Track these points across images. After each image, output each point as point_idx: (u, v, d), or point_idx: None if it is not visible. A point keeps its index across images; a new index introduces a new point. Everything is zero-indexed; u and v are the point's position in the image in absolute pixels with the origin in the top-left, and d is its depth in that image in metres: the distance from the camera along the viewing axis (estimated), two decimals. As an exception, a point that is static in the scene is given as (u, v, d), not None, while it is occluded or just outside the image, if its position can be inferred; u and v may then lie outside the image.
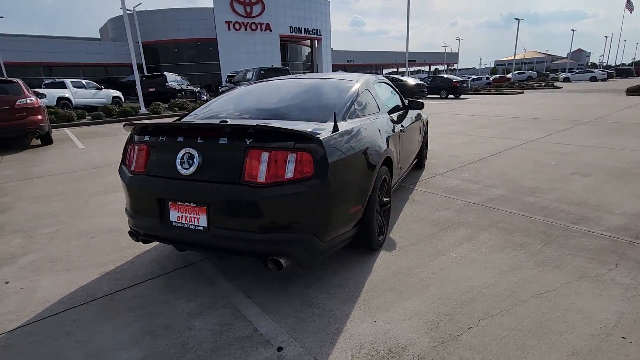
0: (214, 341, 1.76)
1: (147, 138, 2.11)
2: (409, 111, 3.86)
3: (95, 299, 2.15)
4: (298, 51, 47.58)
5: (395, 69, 69.60)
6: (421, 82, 16.92)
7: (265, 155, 1.79)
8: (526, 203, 3.43)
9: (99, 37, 47.94)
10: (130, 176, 2.15)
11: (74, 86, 15.28)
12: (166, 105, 14.96)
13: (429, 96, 20.61)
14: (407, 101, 3.88)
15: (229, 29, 35.43)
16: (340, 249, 2.22)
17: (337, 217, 1.98)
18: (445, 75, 20.56)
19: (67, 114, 12.18)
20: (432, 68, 77.64)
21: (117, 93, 17.67)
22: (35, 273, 2.49)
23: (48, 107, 13.47)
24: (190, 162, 1.91)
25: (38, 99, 8.09)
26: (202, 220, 1.91)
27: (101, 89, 16.73)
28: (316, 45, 43.58)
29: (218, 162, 1.89)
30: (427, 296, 2.05)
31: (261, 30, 36.88)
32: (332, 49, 60.28)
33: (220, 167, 1.88)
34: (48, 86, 15.34)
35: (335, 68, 55.59)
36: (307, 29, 40.62)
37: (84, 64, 36.95)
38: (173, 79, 16.39)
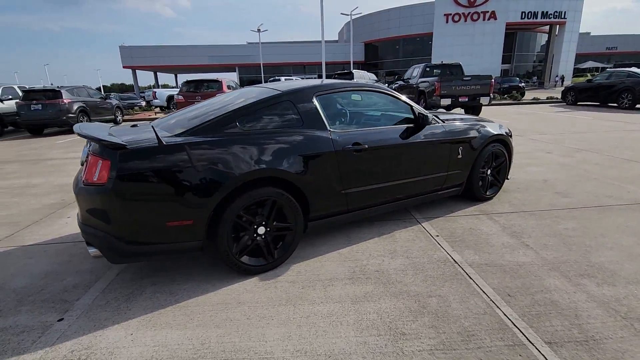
0: (47, 295, 2.25)
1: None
2: (427, 126, 3.05)
3: (60, 243, 3.05)
4: (530, 40, 40.25)
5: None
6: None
7: (90, 158, 2.10)
8: (535, 287, 2.15)
9: (337, 39, 56.45)
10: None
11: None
12: None
13: None
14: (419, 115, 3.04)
15: (447, 22, 33.86)
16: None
17: (143, 226, 2.06)
18: None
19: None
20: None
21: (318, 88, 20.93)
22: (82, 216, 3.71)
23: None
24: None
25: (233, 94, 10.78)
26: (82, 204, 2.43)
27: (305, 84, 20.20)
28: (556, 32, 35.41)
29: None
30: (193, 336, 1.84)
31: (484, 19, 33.28)
32: (588, 34, 47.80)
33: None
34: (270, 82, 19.79)
35: (585, 58, 43.86)
36: (546, 12, 33.49)
37: (320, 62, 44.54)
38: (359, 76, 17.65)
